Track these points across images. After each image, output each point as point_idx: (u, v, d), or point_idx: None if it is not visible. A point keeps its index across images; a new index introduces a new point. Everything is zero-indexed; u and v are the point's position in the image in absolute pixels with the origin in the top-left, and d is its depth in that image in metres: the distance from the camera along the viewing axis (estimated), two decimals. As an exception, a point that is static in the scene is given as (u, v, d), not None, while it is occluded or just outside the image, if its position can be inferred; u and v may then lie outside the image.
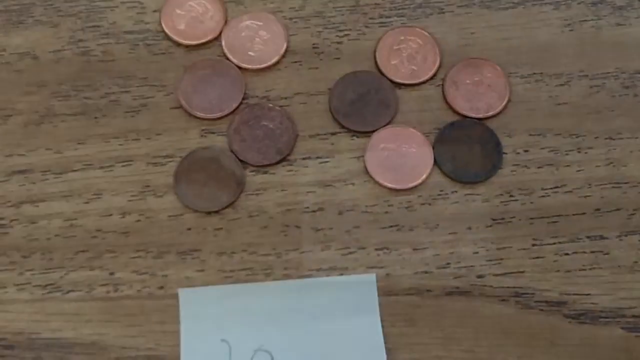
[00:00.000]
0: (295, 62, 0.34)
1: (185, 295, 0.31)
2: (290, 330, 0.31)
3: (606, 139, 0.33)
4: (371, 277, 0.31)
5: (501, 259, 0.32)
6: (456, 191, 0.33)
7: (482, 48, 0.34)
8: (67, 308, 0.31)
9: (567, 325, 0.31)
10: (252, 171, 0.33)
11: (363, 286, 0.31)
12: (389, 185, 0.32)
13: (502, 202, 0.32)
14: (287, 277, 0.32)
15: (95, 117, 0.34)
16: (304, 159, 0.33)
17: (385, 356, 0.31)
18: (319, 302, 0.31)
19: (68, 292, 0.32)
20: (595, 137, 0.33)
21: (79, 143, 0.33)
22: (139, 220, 0.32)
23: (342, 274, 0.32)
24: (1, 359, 0.31)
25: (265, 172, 0.33)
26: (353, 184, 0.33)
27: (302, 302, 0.31)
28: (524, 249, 0.32)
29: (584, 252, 0.32)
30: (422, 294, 0.31)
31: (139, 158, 0.33)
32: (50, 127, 0.34)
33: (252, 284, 0.32)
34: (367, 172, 0.33)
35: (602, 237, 0.32)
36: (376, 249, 0.32)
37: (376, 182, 0.33)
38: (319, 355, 0.31)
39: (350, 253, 0.32)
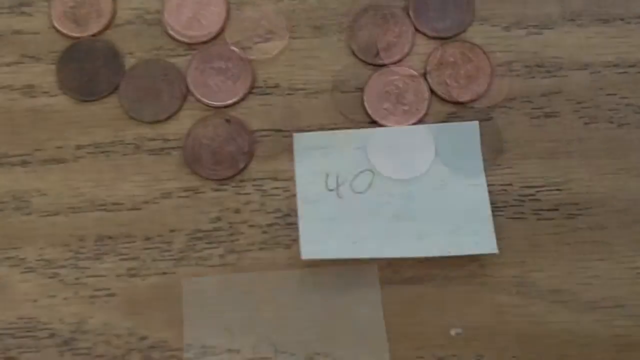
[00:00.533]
0: (298, 52, 0.34)
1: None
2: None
3: (607, 129, 0.33)
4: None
5: (502, 249, 0.32)
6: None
7: (483, 38, 0.34)
8: (72, 295, 0.32)
9: (568, 315, 0.31)
10: (255, 161, 0.33)
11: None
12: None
13: (503, 191, 0.33)
14: (289, 266, 0.32)
15: (99, 106, 0.34)
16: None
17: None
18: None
19: (73, 279, 0.32)
20: (596, 127, 0.33)
21: (82, 131, 0.34)
22: (143, 209, 0.33)
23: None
24: (6, 346, 0.31)
25: (268, 162, 0.33)
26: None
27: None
28: (525, 238, 0.32)
29: (585, 243, 0.32)
30: (424, 283, 0.32)
31: (144, 145, 0.33)
32: (53, 115, 0.34)
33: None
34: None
35: (603, 228, 0.32)
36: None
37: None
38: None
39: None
